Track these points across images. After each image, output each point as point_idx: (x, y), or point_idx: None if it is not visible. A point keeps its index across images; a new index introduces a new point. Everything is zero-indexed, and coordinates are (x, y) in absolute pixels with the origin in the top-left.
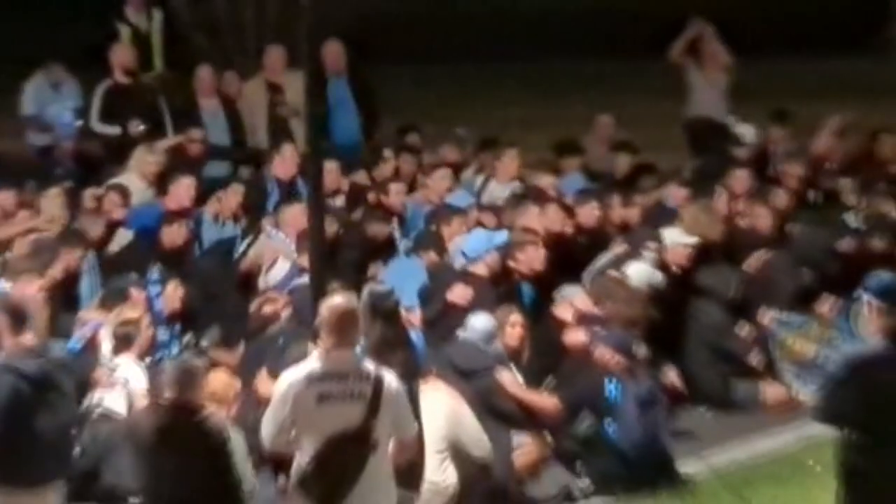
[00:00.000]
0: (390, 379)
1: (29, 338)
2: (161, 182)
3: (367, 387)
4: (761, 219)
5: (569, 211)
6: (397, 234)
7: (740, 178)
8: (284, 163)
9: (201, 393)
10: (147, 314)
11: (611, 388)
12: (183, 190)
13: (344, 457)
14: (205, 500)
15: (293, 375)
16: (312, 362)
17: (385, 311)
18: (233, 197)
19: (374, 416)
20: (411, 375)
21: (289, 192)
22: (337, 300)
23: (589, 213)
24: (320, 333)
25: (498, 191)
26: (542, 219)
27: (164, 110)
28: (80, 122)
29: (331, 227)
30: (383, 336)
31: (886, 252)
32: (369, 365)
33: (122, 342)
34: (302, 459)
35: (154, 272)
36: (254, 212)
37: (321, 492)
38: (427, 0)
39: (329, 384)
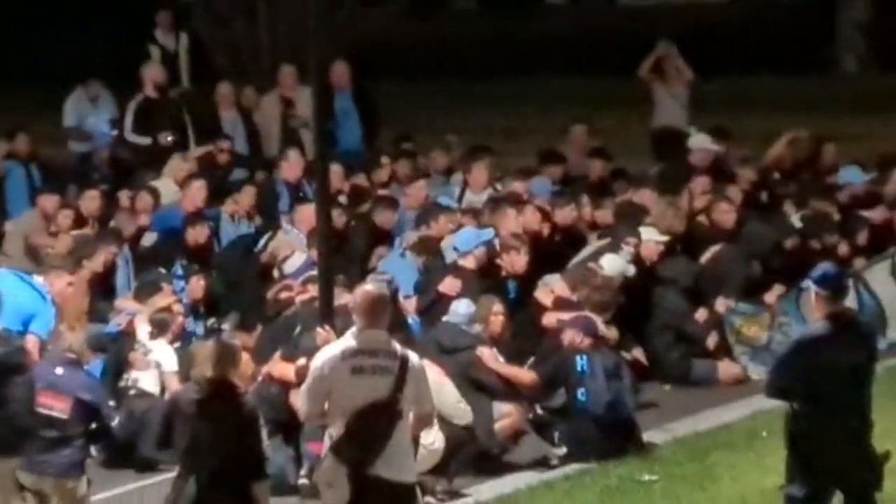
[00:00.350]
0: (414, 358)
1: None
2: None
3: (394, 363)
4: (724, 215)
5: (542, 211)
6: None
7: (700, 182)
8: (291, 167)
9: (237, 371)
10: (178, 303)
11: (581, 362)
12: (195, 192)
13: (374, 424)
14: (237, 467)
15: (330, 352)
16: (347, 340)
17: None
18: (246, 198)
19: (401, 390)
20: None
21: (296, 193)
22: (369, 287)
23: (567, 214)
24: (353, 315)
25: (473, 198)
26: (520, 220)
27: (187, 121)
28: (115, 132)
29: (339, 219)
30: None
31: (827, 247)
32: (396, 344)
33: (158, 328)
34: (333, 429)
35: (178, 267)
36: (265, 211)
37: (354, 455)
38: (421, 25)
39: (362, 359)
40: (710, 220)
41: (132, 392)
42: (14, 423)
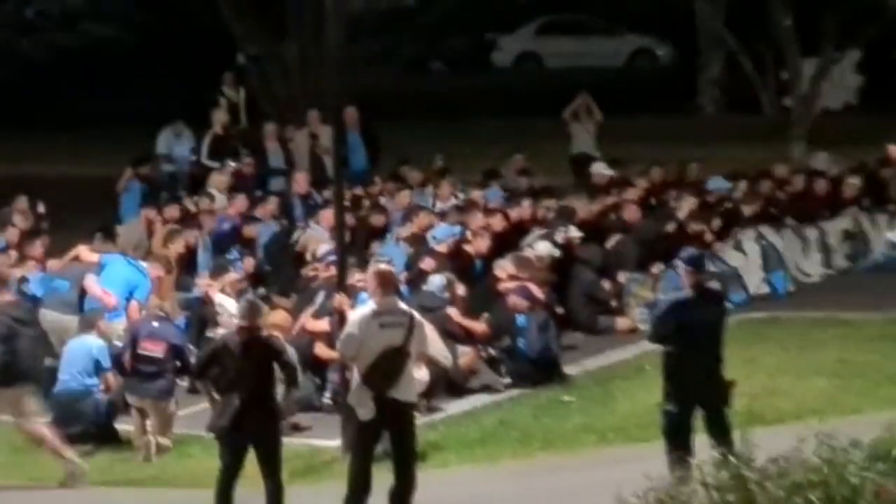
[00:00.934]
0: (418, 316)
1: (8, 295)
2: (231, 192)
3: (405, 318)
4: (631, 213)
5: (491, 212)
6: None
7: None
8: (299, 184)
9: (262, 320)
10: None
11: (521, 319)
12: (240, 202)
13: (393, 361)
14: (267, 389)
15: (362, 313)
16: (371, 305)
17: None
18: (270, 206)
19: (410, 337)
20: None
21: (306, 202)
22: (382, 266)
23: (522, 211)
24: (371, 287)
25: (440, 204)
26: (485, 218)
27: (243, 151)
28: (193, 158)
29: (350, 220)
30: None
31: (696, 234)
32: (404, 305)
33: (238, 295)
34: (361, 366)
35: (234, 252)
36: (287, 214)
37: (379, 383)
38: (409, 81)
39: (385, 317)
40: (619, 217)
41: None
42: (20, 361)
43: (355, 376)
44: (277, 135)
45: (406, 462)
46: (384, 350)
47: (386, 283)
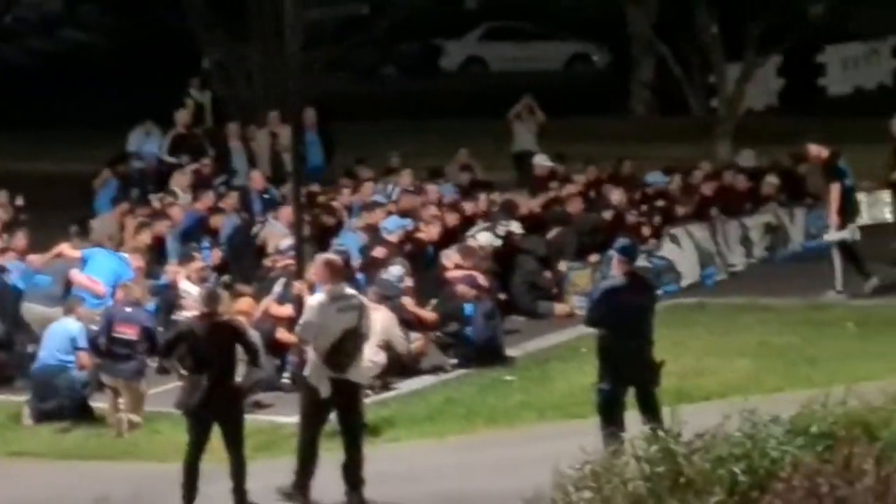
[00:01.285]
0: (365, 300)
1: None
2: (193, 190)
3: (357, 302)
4: (574, 206)
5: (446, 207)
6: (346, 218)
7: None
8: (255, 181)
9: (221, 306)
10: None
11: (468, 307)
12: (207, 198)
13: (351, 343)
14: (229, 370)
15: (319, 300)
16: (325, 292)
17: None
18: (230, 199)
19: (363, 320)
20: None
21: (261, 197)
22: (328, 256)
23: (475, 206)
24: (322, 276)
25: (406, 198)
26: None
27: (208, 149)
28: (164, 157)
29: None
30: None
31: (633, 225)
32: (352, 290)
33: (200, 281)
34: (319, 348)
35: (205, 242)
36: (246, 208)
37: (341, 363)
38: (363, 85)
39: (341, 302)
40: (562, 209)
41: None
42: None
43: (312, 358)
44: (240, 134)
45: (355, 437)
46: (343, 332)
47: (336, 271)
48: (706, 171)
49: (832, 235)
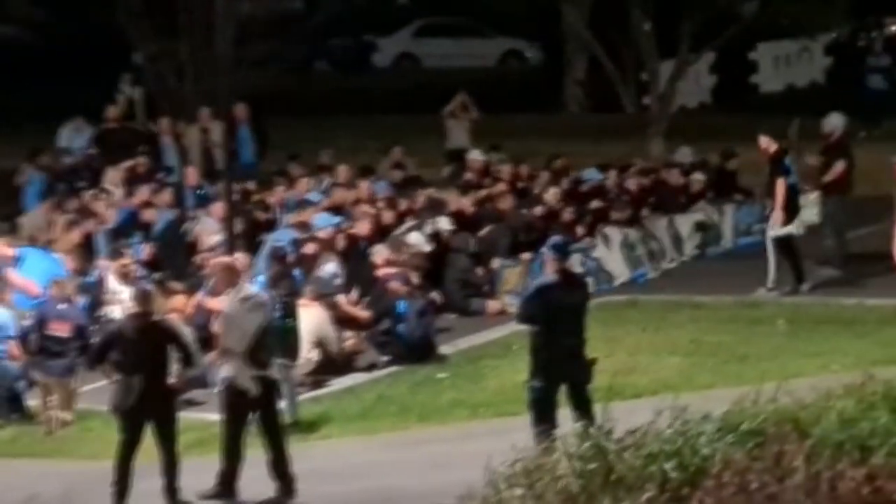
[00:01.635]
0: (266, 296)
1: None
2: (127, 185)
3: (262, 299)
4: (504, 203)
5: (376, 202)
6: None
7: (475, 175)
8: (189, 176)
9: (154, 305)
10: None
11: (401, 304)
12: (143, 192)
13: (266, 339)
14: (162, 369)
15: (231, 301)
16: (234, 293)
17: (278, 256)
18: (164, 195)
19: (268, 314)
20: (294, 295)
21: (195, 192)
22: (223, 259)
23: (410, 202)
24: (224, 276)
25: (338, 192)
26: (371, 207)
27: (139, 144)
28: (92, 151)
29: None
30: (277, 271)
31: (567, 222)
32: (254, 288)
33: (123, 278)
34: (239, 348)
35: (136, 238)
36: (179, 204)
37: (261, 359)
38: (295, 79)
39: (250, 301)
40: (494, 206)
41: (106, 319)
42: None
43: (232, 360)
44: (171, 129)
45: (279, 433)
46: (258, 330)
47: (236, 273)
48: (640, 167)
49: (775, 231)
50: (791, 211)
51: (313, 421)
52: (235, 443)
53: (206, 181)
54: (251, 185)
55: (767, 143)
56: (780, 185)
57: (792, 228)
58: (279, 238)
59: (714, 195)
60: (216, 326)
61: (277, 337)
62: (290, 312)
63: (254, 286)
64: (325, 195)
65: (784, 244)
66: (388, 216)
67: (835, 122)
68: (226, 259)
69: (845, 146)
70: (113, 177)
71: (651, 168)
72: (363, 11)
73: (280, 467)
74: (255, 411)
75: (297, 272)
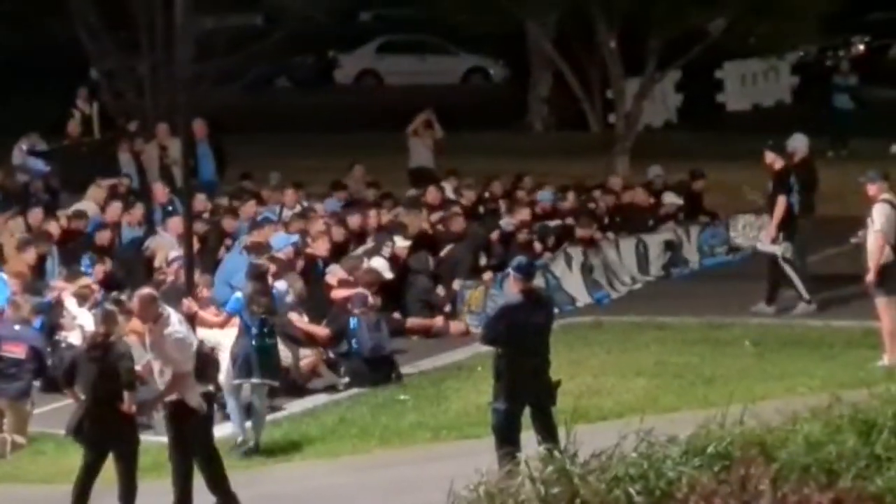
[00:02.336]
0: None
1: None
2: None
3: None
4: (456, 225)
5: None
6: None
7: (436, 197)
8: (158, 193)
9: (117, 326)
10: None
11: (353, 322)
12: (114, 209)
13: (213, 360)
14: (115, 392)
15: (178, 320)
16: (176, 317)
17: (256, 275)
18: (136, 212)
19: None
20: (272, 313)
21: (165, 209)
22: (143, 292)
23: (358, 220)
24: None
25: (297, 221)
26: (326, 225)
27: (97, 160)
28: (48, 169)
29: (200, 227)
30: (256, 289)
31: (524, 242)
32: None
33: (81, 300)
34: (189, 367)
35: (86, 259)
36: (148, 221)
37: (207, 372)
38: (255, 97)
39: (184, 321)
40: (446, 228)
41: (63, 345)
42: None
43: (179, 382)
44: (129, 146)
45: (216, 450)
46: (198, 348)
47: (155, 301)
48: (612, 186)
49: (765, 246)
50: (788, 230)
51: (273, 444)
52: (188, 466)
53: (174, 197)
54: (222, 201)
55: (773, 159)
56: (781, 202)
57: (778, 249)
58: (231, 260)
59: (683, 216)
60: (172, 354)
61: (257, 357)
62: (269, 332)
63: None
64: (279, 216)
65: (774, 262)
66: (337, 233)
67: (796, 144)
68: (145, 291)
69: (809, 166)
70: (94, 192)
71: (624, 187)
72: (325, 28)
73: (222, 487)
74: (200, 428)
75: (277, 290)
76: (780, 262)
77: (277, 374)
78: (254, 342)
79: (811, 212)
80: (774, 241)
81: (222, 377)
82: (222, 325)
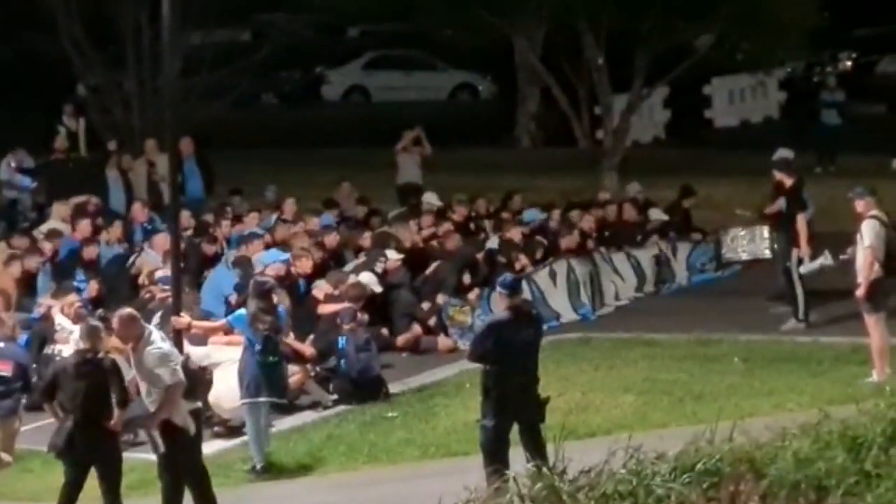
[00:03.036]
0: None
1: None
2: (73, 222)
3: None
4: (450, 242)
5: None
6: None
7: (428, 220)
8: (137, 212)
9: (102, 342)
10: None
11: (342, 341)
12: (84, 227)
13: (202, 378)
14: (100, 410)
15: (161, 345)
16: (153, 334)
17: (262, 292)
18: (115, 230)
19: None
20: (277, 331)
21: (144, 228)
22: (123, 312)
23: (333, 240)
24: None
25: (282, 228)
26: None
27: (83, 177)
28: (35, 185)
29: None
30: (260, 307)
31: (511, 261)
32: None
33: (76, 317)
34: (175, 379)
35: (80, 275)
36: (128, 239)
37: (194, 389)
38: (242, 113)
39: (169, 340)
40: (440, 244)
41: (57, 358)
42: None
43: (171, 394)
44: (117, 163)
45: (204, 468)
46: (185, 364)
47: (138, 323)
48: (600, 201)
49: (806, 267)
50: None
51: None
52: (179, 485)
53: (154, 215)
54: (208, 218)
55: (782, 176)
56: (801, 220)
57: (819, 262)
58: (218, 275)
59: (674, 233)
60: (156, 370)
61: (262, 375)
62: (272, 350)
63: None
64: (270, 231)
65: (795, 277)
66: (317, 254)
67: (783, 155)
68: (126, 311)
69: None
70: (58, 210)
71: (606, 202)
72: (312, 43)
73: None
74: (190, 446)
75: (281, 309)
76: (795, 277)
77: (284, 391)
78: (258, 359)
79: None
80: (812, 257)
81: (222, 395)
82: (226, 332)
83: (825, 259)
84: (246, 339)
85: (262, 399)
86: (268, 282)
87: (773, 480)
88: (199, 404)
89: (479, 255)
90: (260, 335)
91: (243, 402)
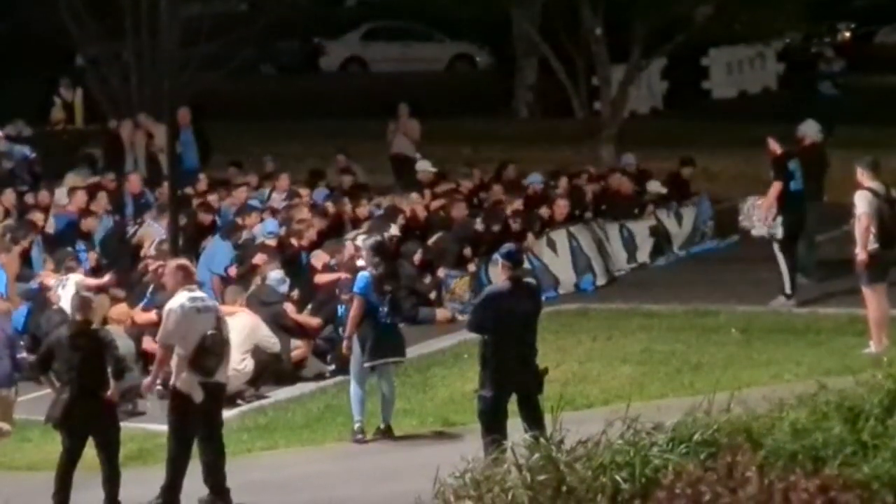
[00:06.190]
0: (214, 303)
1: None
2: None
3: (211, 304)
4: (458, 211)
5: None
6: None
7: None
8: (132, 184)
9: (94, 313)
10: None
11: (341, 309)
12: (79, 197)
13: (217, 345)
14: (96, 381)
15: (180, 302)
16: (183, 294)
17: (380, 253)
18: (101, 201)
19: (221, 322)
20: (400, 291)
21: (138, 201)
22: (177, 260)
23: (341, 208)
24: (175, 278)
25: (276, 199)
26: (311, 213)
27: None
28: (33, 155)
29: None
30: (382, 271)
31: (517, 232)
32: (203, 293)
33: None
34: (186, 352)
35: (80, 245)
36: (119, 211)
37: (206, 364)
38: (241, 84)
39: (199, 302)
40: (445, 210)
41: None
42: None
43: (179, 365)
44: (115, 132)
45: (220, 440)
46: (205, 334)
47: (189, 274)
48: (591, 173)
49: (759, 230)
50: (787, 215)
51: (258, 431)
52: (181, 455)
53: (147, 189)
54: (195, 188)
55: (774, 146)
56: (775, 186)
57: (773, 231)
58: (214, 247)
59: (675, 202)
60: (165, 323)
61: (383, 337)
62: (398, 311)
63: (196, 287)
64: (265, 203)
65: (787, 248)
66: (320, 223)
67: (806, 129)
68: (181, 260)
69: (819, 152)
70: (71, 181)
71: (602, 174)
72: (310, 14)
73: (217, 477)
74: (199, 418)
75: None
76: (775, 248)
77: (404, 350)
78: (385, 321)
79: (818, 198)
80: (766, 223)
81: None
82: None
83: (770, 231)
84: (369, 304)
85: (389, 360)
86: (386, 241)
87: (770, 451)
88: (214, 379)
89: (480, 228)
90: (385, 297)
91: (367, 364)
